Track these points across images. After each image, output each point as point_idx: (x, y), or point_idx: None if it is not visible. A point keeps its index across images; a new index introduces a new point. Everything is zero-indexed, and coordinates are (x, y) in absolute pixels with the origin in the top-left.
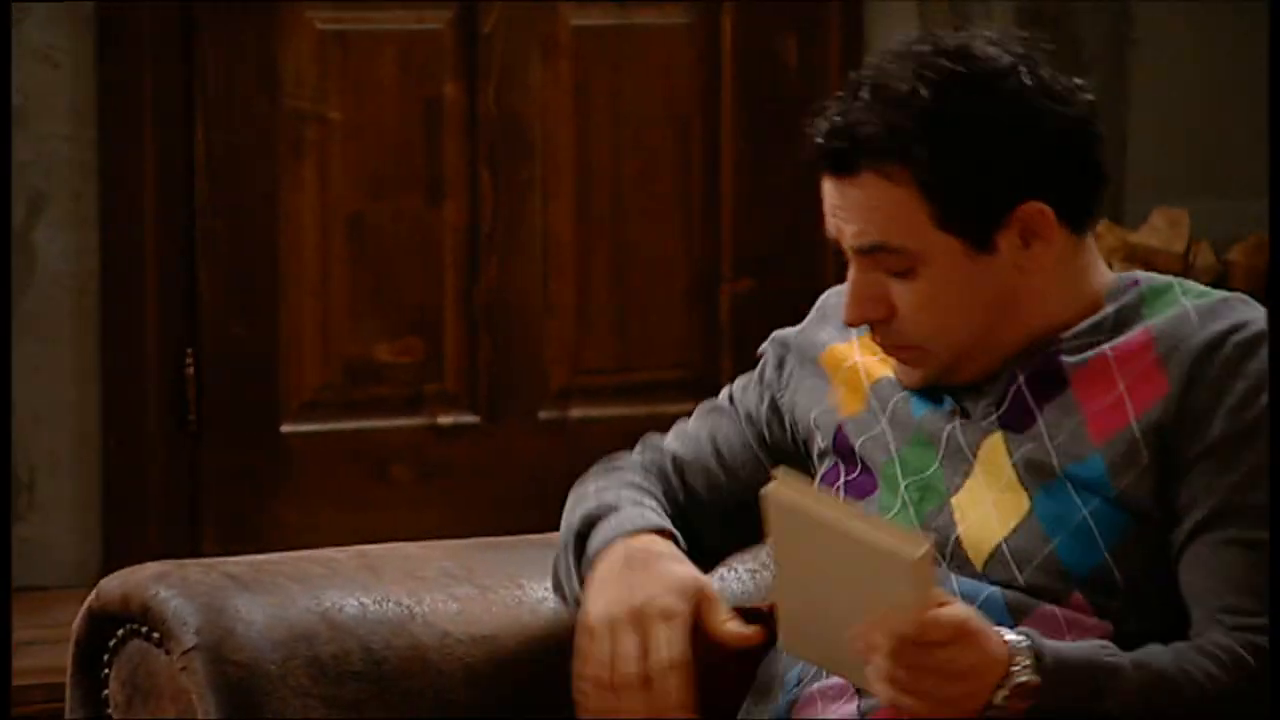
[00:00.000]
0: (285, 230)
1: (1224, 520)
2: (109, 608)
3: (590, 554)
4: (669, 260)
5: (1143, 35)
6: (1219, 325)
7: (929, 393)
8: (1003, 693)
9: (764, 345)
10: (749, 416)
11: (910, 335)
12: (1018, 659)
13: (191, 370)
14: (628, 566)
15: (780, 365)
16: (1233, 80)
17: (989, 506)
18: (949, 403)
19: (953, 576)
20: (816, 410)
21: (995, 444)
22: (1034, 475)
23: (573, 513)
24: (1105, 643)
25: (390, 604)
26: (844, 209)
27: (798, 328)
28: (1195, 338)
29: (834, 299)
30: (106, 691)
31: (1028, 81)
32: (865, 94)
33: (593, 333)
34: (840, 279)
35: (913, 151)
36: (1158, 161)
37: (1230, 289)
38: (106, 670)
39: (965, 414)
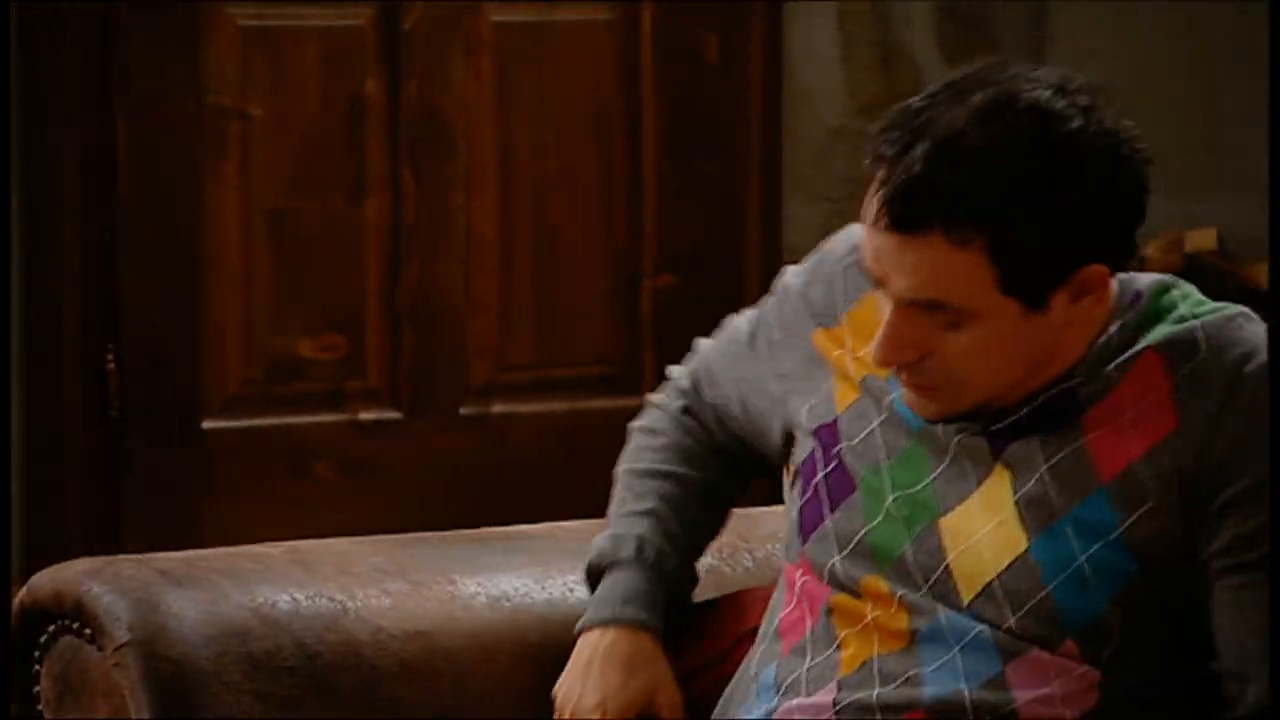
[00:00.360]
0: (207, 226)
1: (1260, 564)
2: (40, 604)
3: (581, 623)
4: (591, 257)
5: (1058, 32)
6: (1232, 356)
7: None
8: None
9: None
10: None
11: (943, 380)
12: None
13: (113, 366)
14: (602, 662)
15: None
16: (1148, 76)
17: (982, 538)
18: (954, 419)
19: (939, 609)
20: (814, 400)
21: (1000, 475)
22: (1035, 516)
23: (606, 528)
24: None
25: (323, 599)
26: (898, 263)
27: (805, 280)
28: (1211, 372)
29: (839, 263)
30: (37, 688)
31: (1098, 141)
32: (933, 148)
33: (515, 329)
34: (766, 276)
35: (991, 218)
36: None
37: None
38: (37, 667)
39: (967, 432)
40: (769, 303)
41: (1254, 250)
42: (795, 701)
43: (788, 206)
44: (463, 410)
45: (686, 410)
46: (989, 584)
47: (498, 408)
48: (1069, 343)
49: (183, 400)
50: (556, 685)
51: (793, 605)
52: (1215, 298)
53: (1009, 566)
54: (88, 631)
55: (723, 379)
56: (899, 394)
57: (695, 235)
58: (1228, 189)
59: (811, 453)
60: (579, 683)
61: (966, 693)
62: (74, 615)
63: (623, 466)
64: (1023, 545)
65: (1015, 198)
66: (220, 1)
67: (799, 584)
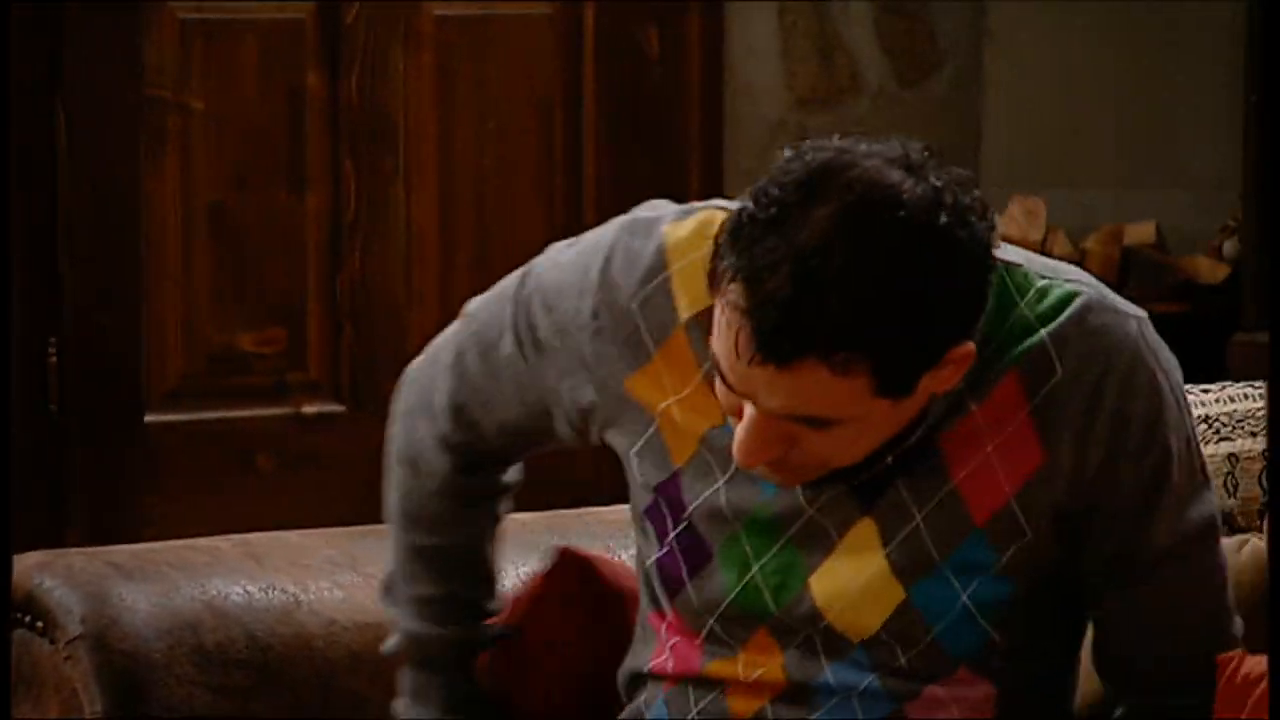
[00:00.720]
0: (148, 219)
1: (1158, 567)
2: None
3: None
4: (531, 250)
5: (997, 27)
6: (1087, 374)
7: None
8: None
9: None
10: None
11: (808, 468)
12: None
13: (54, 359)
14: None
15: (561, 363)
16: (1086, 72)
17: (856, 593)
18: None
19: (826, 667)
20: (639, 444)
21: (867, 530)
22: (911, 565)
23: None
24: None
25: (276, 592)
26: (770, 388)
27: (590, 314)
28: (1068, 395)
29: (633, 299)
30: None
31: (956, 224)
32: (797, 270)
33: None
34: None
35: (870, 340)
36: (1012, 152)
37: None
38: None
39: (820, 488)
40: (540, 323)
41: (1190, 244)
42: None
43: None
44: None
45: (458, 463)
46: (875, 634)
47: None
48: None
49: (124, 394)
50: None
51: (664, 656)
52: (1154, 290)
53: (891, 618)
54: (39, 625)
55: (501, 408)
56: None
57: None
58: (1164, 183)
59: (655, 505)
60: None
61: None
62: (25, 608)
63: (399, 520)
64: (900, 595)
65: (890, 312)
66: None
67: (668, 643)
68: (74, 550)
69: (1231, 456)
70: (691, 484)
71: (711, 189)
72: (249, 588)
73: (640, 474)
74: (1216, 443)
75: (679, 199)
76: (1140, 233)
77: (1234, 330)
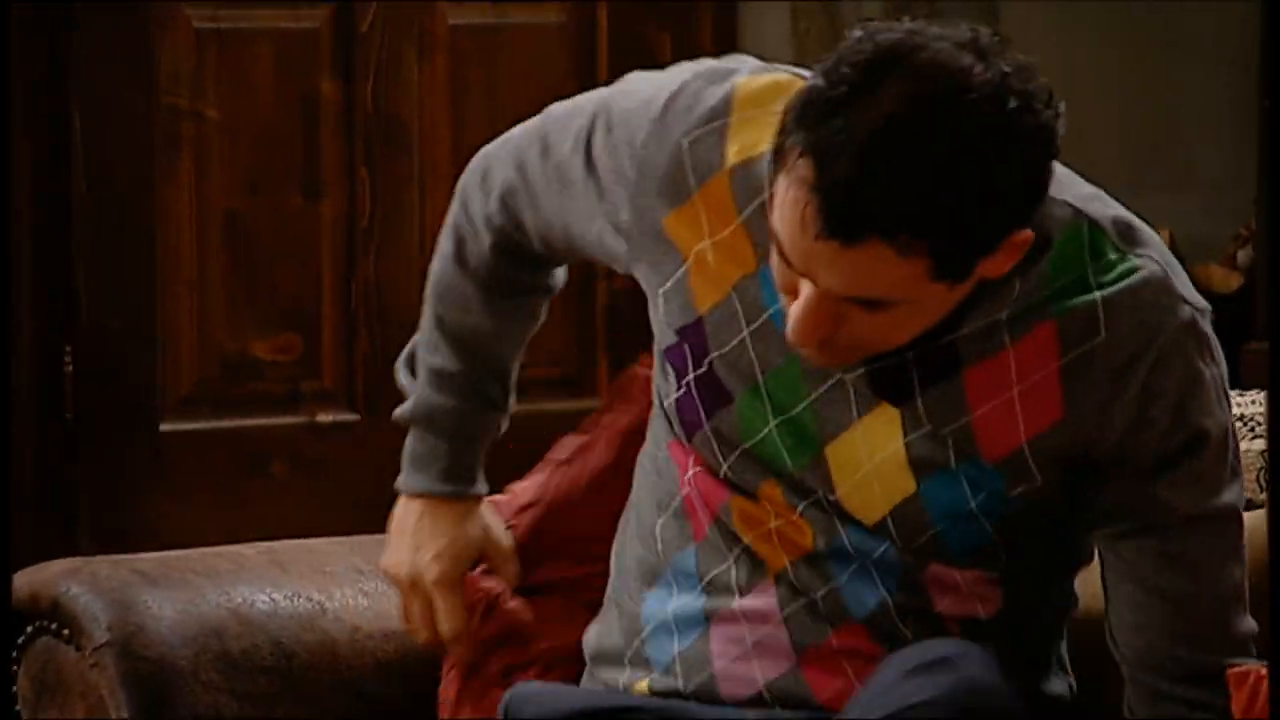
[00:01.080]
0: (162, 227)
1: (1175, 531)
2: (17, 605)
3: (401, 485)
4: None
5: (1006, 32)
6: (1128, 344)
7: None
8: None
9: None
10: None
11: (856, 350)
12: None
13: (68, 367)
14: (430, 524)
15: (620, 187)
16: (1094, 78)
17: (870, 472)
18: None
19: (840, 528)
20: (668, 285)
21: (889, 415)
22: (925, 461)
23: (427, 359)
24: None
25: (301, 599)
26: (832, 266)
27: (643, 139)
28: (1103, 361)
29: (686, 136)
30: (14, 688)
31: (1021, 107)
32: (863, 150)
33: None
34: None
35: (933, 222)
36: None
37: None
38: (15, 667)
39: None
40: (598, 140)
41: (1201, 250)
42: (737, 604)
43: None
44: None
45: (498, 244)
46: (881, 520)
47: None
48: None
49: (138, 401)
50: (383, 557)
51: (687, 490)
52: None
53: (898, 506)
54: (66, 632)
55: (547, 209)
56: (777, 309)
57: None
58: (1175, 189)
59: (677, 345)
60: (408, 545)
61: (889, 599)
62: (51, 616)
63: (434, 289)
64: (911, 488)
65: (954, 198)
66: (175, 2)
67: (691, 472)
68: (99, 558)
69: (1264, 454)
70: (716, 331)
71: None
72: (274, 595)
73: (665, 314)
74: (1250, 439)
75: None
76: None
77: (1247, 339)
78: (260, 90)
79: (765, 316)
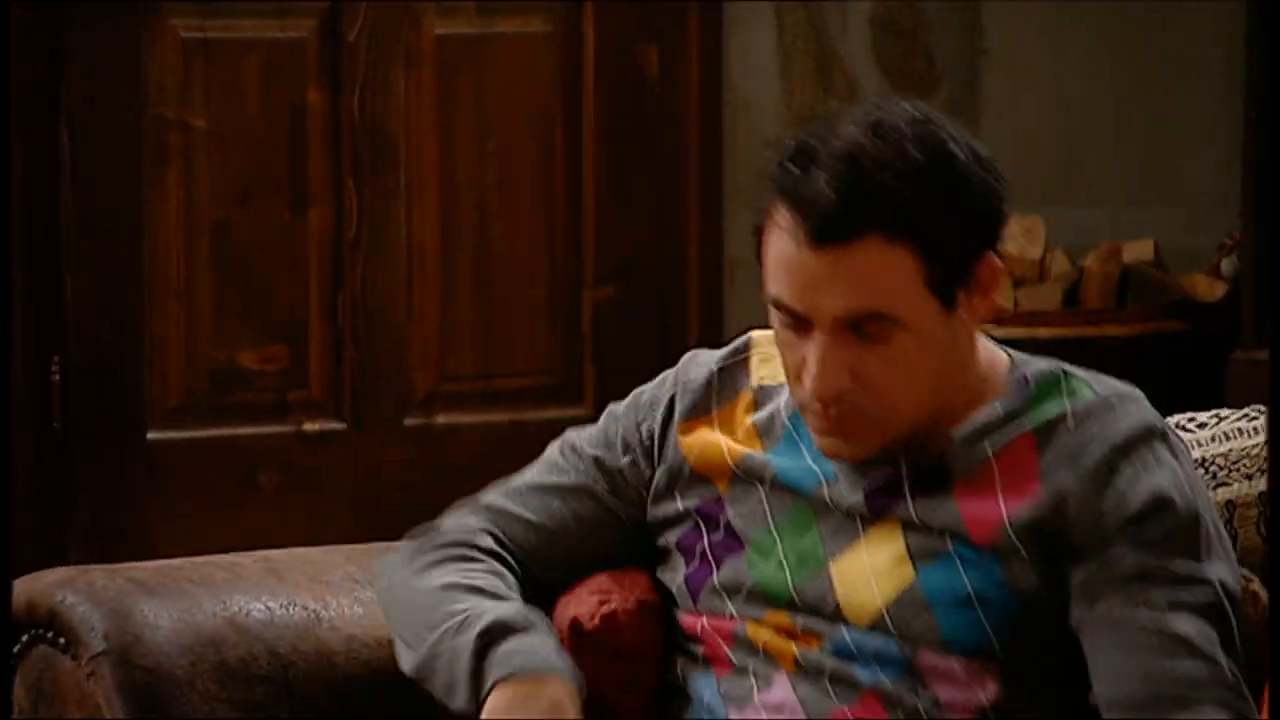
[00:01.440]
0: (150, 238)
1: (1119, 593)
2: (13, 613)
3: (493, 672)
4: (532, 268)
5: (994, 46)
6: (1092, 428)
7: (803, 471)
8: None
9: (616, 413)
10: (605, 469)
11: (869, 405)
12: None
13: (57, 377)
14: (540, 708)
15: (642, 425)
16: (1082, 91)
17: (870, 576)
18: (831, 475)
19: (841, 629)
20: (677, 485)
21: (886, 524)
22: (924, 554)
23: (460, 624)
24: None
25: (296, 608)
26: (832, 279)
27: (647, 397)
28: (1073, 449)
29: (710, 365)
30: (9, 697)
31: (967, 145)
32: (841, 163)
33: (457, 340)
34: (706, 288)
35: (917, 212)
36: (1009, 171)
37: (1084, 294)
38: (11, 676)
39: (844, 488)
40: (614, 423)
41: (1188, 262)
42: (758, 698)
43: (728, 217)
44: (406, 421)
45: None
46: (878, 615)
47: (440, 418)
48: (959, 363)
49: (126, 411)
50: None
51: (704, 641)
52: (1153, 309)
53: (896, 598)
54: (62, 641)
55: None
56: (774, 470)
57: (636, 246)
58: (1161, 201)
59: (693, 528)
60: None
61: (888, 682)
62: (48, 625)
63: (437, 583)
64: (910, 578)
65: (929, 193)
66: (163, 13)
67: (700, 624)
68: (95, 567)
69: (1229, 504)
70: (734, 500)
71: (710, 206)
72: (270, 604)
73: (683, 502)
74: (1214, 488)
75: (678, 216)
76: (1139, 250)
77: (1233, 348)
78: (247, 100)
79: (773, 477)
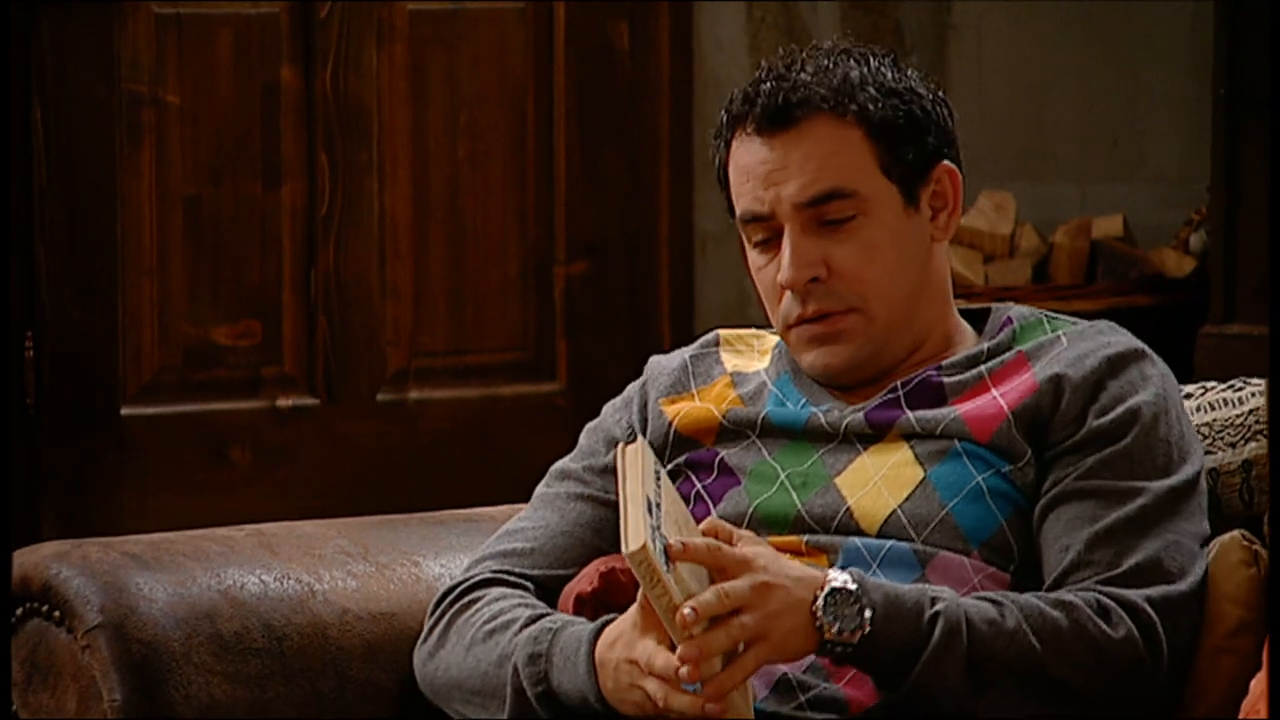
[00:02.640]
0: (123, 214)
1: (1077, 497)
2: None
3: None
4: (504, 243)
5: (961, 23)
6: (1087, 344)
7: (795, 412)
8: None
9: (597, 428)
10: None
11: (848, 293)
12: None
13: (30, 353)
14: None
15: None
16: (1050, 66)
17: (879, 482)
18: (825, 408)
19: (849, 539)
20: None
21: (889, 438)
22: (930, 453)
23: (498, 665)
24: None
25: (290, 581)
26: (787, 165)
27: (621, 398)
28: (1064, 354)
29: (684, 353)
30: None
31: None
32: (800, 64)
33: (429, 315)
34: (678, 263)
35: (860, 97)
36: (978, 146)
37: (1054, 269)
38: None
39: (840, 414)
40: (586, 439)
41: (1155, 237)
42: None
43: (698, 192)
44: (378, 396)
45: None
46: (891, 514)
47: (413, 394)
48: (936, 290)
49: (100, 387)
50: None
51: None
52: (1122, 284)
53: (909, 496)
54: (57, 614)
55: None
56: (765, 414)
57: (607, 222)
58: (1129, 177)
59: (685, 480)
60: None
61: None
62: (43, 598)
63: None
64: (919, 475)
65: (875, 88)
66: None
67: None
68: (89, 540)
69: (1214, 472)
70: (724, 444)
71: (681, 182)
72: (264, 577)
73: (671, 464)
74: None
75: (649, 191)
76: (1108, 226)
77: (1202, 323)
78: (220, 77)
79: (765, 417)
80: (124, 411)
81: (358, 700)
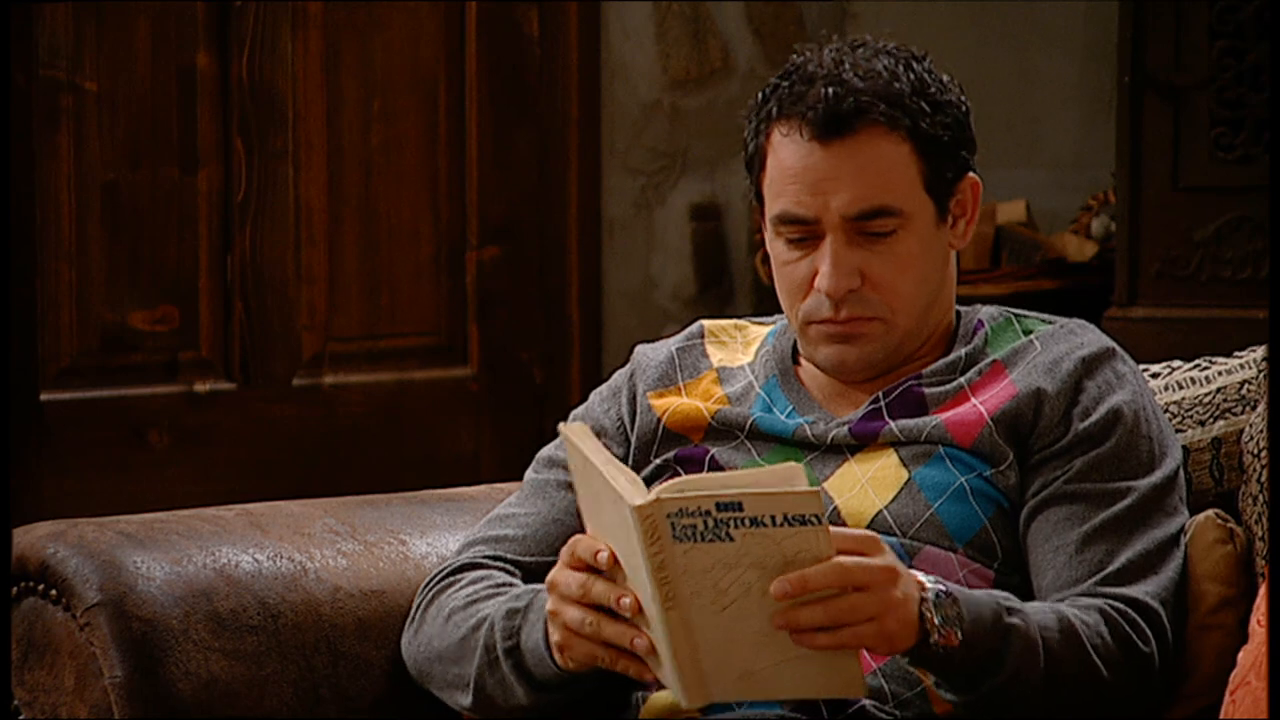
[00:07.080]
0: (41, 200)
1: (1067, 500)
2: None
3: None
4: (417, 228)
5: (860, 10)
6: (1060, 346)
7: (782, 422)
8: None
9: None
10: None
11: (878, 303)
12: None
13: None
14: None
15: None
16: (947, 51)
17: (865, 484)
18: (811, 420)
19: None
20: (650, 445)
21: (874, 447)
22: (915, 458)
23: (473, 635)
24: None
25: (283, 560)
26: (839, 175)
27: (609, 387)
28: (1040, 360)
29: (671, 346)
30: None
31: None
32: (835, 76)
33: (344, 300)
34: (586, 248)
35: (911, 109)
36: None
37: (960, 254)
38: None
39: (825, 427)
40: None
41: (1053, 222)
42: None
43: (606, 177)
44: (294, 381)
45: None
46: (877, 514)
47: (328, 378)
48: (944, 293)
49: (18, 371)
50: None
51: None
52: (1027, 267)
53: (895, 498)
54: (54, 593)
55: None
56: (753, 419)
57: (518, 206)
58: (1026, 164)
59: (673, 475)
60: None
61: None
62: (39, 578)
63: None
64: (904, 477)
65: (919, 99)
66: None
67: None
68: (83, 520)
69: (1184, 449)
70: (713, 442)
71: (589, 167)
72: (257, 556)
73: (660, 459)
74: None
75: (558, 175)
76: (1011, 211)
77: (1106, 306)
78: (137, 63)
79: (753, 423)
80: (43, 396)
81: (350, 675)
